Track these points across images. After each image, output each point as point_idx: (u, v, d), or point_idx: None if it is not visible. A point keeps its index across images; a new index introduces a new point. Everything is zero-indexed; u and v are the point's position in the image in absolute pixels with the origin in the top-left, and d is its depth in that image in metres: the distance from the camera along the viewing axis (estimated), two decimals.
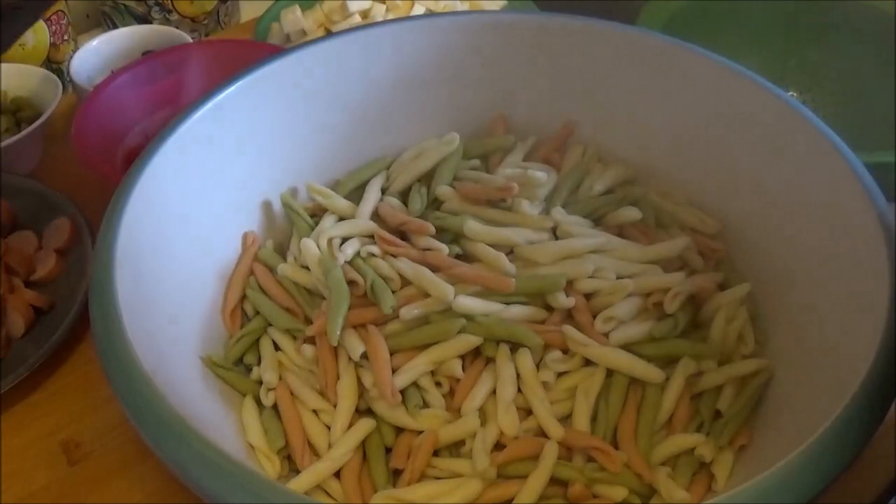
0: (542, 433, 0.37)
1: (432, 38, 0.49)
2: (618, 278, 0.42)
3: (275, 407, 0.40)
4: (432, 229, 0.44)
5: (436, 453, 0.38)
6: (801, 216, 0.41)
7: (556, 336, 0.40)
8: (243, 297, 0.44)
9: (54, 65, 0.71)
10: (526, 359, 0.39)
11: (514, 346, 0.40)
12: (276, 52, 0.47)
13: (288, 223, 0.48)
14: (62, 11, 0.72)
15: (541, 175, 0.46)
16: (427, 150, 0.50)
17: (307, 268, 0.44)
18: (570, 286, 0.41)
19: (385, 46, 0.49)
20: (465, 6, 0.71)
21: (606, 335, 0.40)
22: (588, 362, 0.40)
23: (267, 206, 0.48)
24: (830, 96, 0.64)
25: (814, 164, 0.40)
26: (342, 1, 0.68)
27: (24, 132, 0.58)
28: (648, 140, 0.49)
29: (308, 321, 0.43)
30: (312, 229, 0.46)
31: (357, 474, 0.37)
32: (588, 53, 0.49)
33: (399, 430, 0.39)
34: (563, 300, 0.40)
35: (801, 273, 0.40)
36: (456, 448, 0.38)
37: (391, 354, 0.39)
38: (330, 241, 0.44)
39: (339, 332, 0.39)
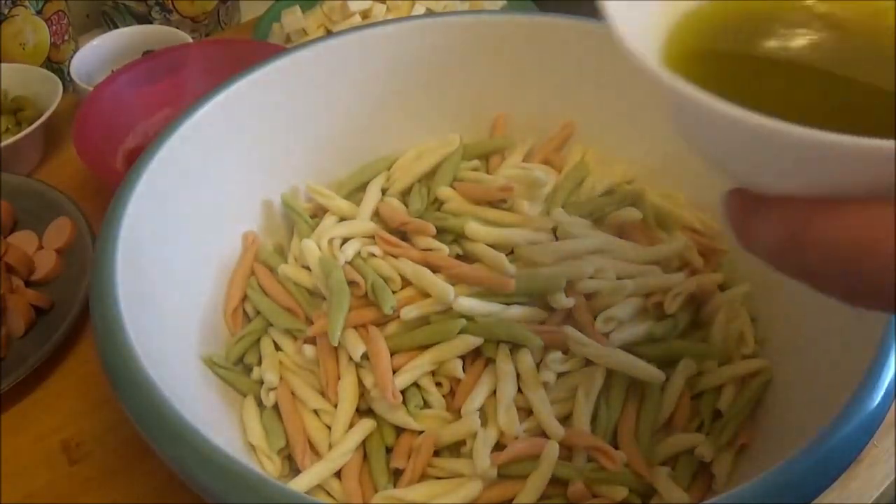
0: (542, 433, 0.37)
1: (432, 38, 0.49)
2: (618, 279, 0.42)
3: (275, 407, 0.40)
4: (433, 230, 0.44)
5: (436, 453, 0.38)
6: None
7: (556, 336, 0.40)
8: (244, 298, 0.44)
9: (55, 65, 0.71)
10: (526, 359, 0.39)
11: (515, 347, 0.40)
12: (276, 52, 0.47)
13: (288, 223, 0.48)
14: (62, 11, 0.72)
15: (541, 175, 0.46)
16: (427, 150, 0.50)
17: (308, 268, 0.44)
18: (570, 286, 0.41)
19: (385, 46, 0.49)
20: (465, 6, 0.71)
21: (607, 335, 0.40)
22: (588, 362, 0.40)
23: (267, 206, 0.48)
24: None
25: None
26: (342, 1, 0.68)
27: (24, 132, 0.58)
28: (649, 140, 0.49)
29: (309, 321, 0.43)
30: (313, 230, 0.46)
31: (358, 474, 0.37)
32: (588, 53, 0.49)
33: (400, 431, 0.39)
34: (563, 300, 0.40)
35: None
36: (456, 448, 0.38)
37: (392, 355, 0.39)
38: (330, 241, 0.44)
39: (339, 333, 0.39)
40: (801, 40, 0.24)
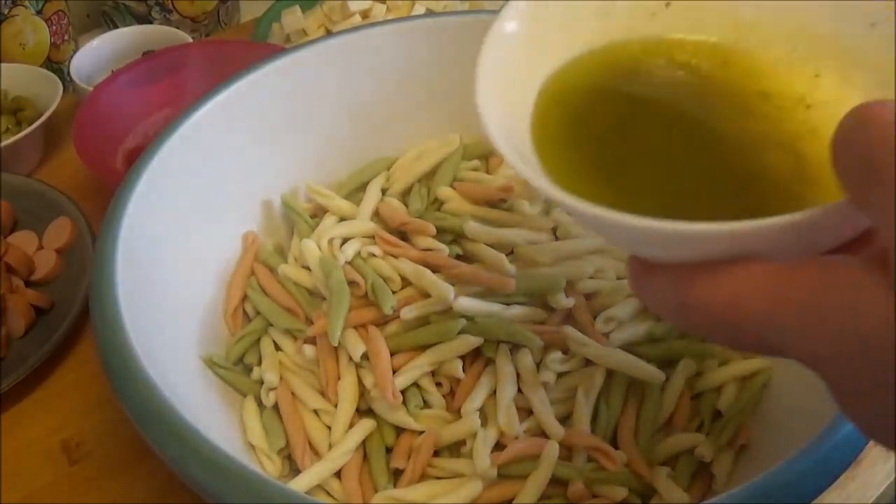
0: (542, 433, 0.37)
1: (432, 38, 0.49)
2: (618, 279, 0.42)
3: (275, 407, 0.40)
4: (433, 230, 0.44)
5: (436, 453, 0.38)
6: None
7: (556, 336, 0.40)
8: (244, 298, 0.44)
9: (55, 65, 0.71)
10: (526, 359, 0.39)
11: (515, 347, 0.40)
12: (276, 52, 0.47)
13: (288, 223, 0.48)
14: (62, 11, 0.72)
15: None
16: (427, 150, 0.50)
17: (308, 268, 0.44)
18: (570, 286, 0.41)
19: (385, 46, 0.49)
20: (465, 6, 0.71)
21: (607, 335, 0.40)
22: (588, 362, 0.40)
23: (267, 206, 0.48)
24: None
25: None
26: (342, 1, 0.68)
27: (24, 132, 0.58)
28: None
29: (309, 321, 0.43)
30: (313, 230, 0.46)
31: (358, 474, 0.37)
32: None
33: (400, 430, 0.39)
34: (563, 300, 0.40)
35: None
36: (456, 448, 0.38)
37: (392, 355, 0.39)
38: (330, 241, 0.44)
39: (339, 333, 0.39)
40: (662, 87, 0.26)
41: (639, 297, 0.22)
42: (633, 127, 0.26)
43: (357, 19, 0.68)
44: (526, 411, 0.38)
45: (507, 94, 0.25)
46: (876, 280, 0.17)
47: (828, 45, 0.25)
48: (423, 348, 0.39)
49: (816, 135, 0.24)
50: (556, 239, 0.45)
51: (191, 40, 0.69)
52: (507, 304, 0.40)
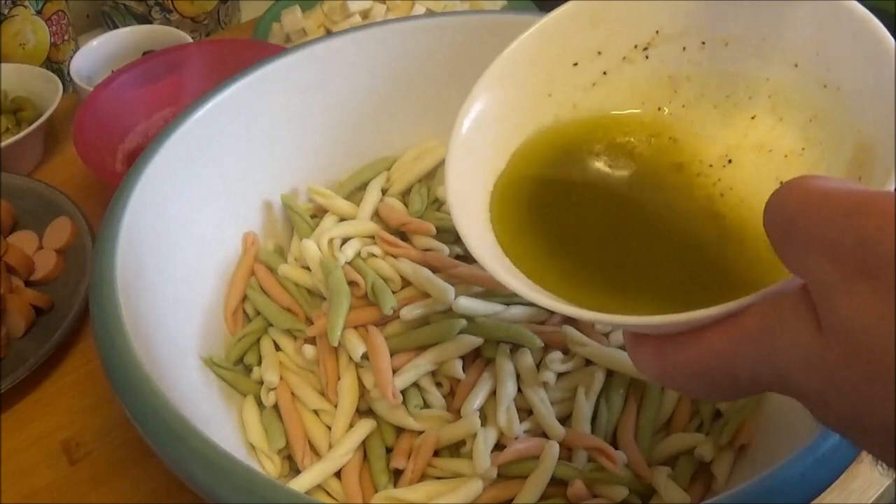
0: (542, 433, 0.37)
1: (432, 38, 0.49)
2: None
3: (275, 407, 0.40)
4: (433, 230, 0.44)
5: (436, 453, 0.38)
6: None
7: (556, 336, 0.40)
8: (244, 298, 0.44)
9: (55, 65, 0.71)
10: (526, 359, 0.39)
11: (515, 347, 0.40)
12: (276, 52, 0.47)
13: (288, 224, 0.48)
14: (62, 11, 0.72)
15: None
16: (428, 150, 0.50)
17: (308, 268, 0.44)
18: None
19: (385, 46, 0.49)
20: (465, 6, 0.71)
21: (607, 335, 0.40)
22: (588, 362, 0.40)
23: (267, 207, 0.48)
24: None
25: None
26: (342, 1, 0.68)
27: (24, 132, 0.58)
28: None
29: (309, 321, 0.43)
30: (313, 230, 0.46)
31: (358, 474, 0.37)
32: None
33: (400, 430, 0.39)
34: None
35: None
36: (456, 448, 0.38)
37: (392, 355, 0.39)
38: (330, 241, 0.44)
39: (339, 333, 0.39)
40: (601, 171, 0.29)
41: (634, 364, 0.25)
42: (580, 211, 0.28)
43: (357, 19, 0.68)
44: (526, 411, 0.38)
45: (472, 179, 0.27)
46: (810, 308, 0.19)
47: (759, 87, 0.27)
48: (423, 348, 0.39)
49: (730, 193, 0.26)
50: None
51: (191, 40, 0.69)
52: (507, 304, 0.40)
